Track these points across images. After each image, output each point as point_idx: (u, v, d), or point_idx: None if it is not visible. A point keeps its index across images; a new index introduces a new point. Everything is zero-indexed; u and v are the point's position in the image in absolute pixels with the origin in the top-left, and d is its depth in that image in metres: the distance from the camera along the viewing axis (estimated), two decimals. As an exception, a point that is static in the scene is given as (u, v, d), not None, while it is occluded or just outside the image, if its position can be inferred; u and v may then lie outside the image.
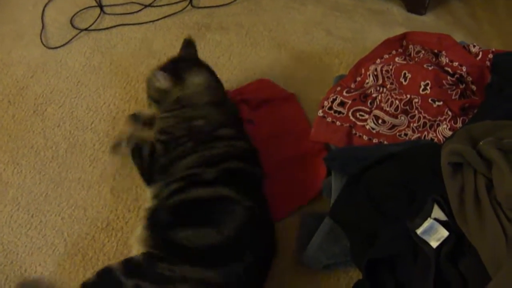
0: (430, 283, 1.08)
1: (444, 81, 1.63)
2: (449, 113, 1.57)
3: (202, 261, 1.25)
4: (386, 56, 1.83)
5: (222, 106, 1.57)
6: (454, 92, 1.63)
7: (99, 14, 2.19)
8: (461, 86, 1.65)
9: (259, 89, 1.83)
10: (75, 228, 1.55)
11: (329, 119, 1.67)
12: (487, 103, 1.55)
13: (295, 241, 1.49)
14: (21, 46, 2.08)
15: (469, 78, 1.66)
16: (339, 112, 1.67)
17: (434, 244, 1.10)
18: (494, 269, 1.02)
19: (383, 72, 1.73)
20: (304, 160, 1.65)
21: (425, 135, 1.57)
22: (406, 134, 1.60)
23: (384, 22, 2.13)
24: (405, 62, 1.74)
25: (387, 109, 1.62)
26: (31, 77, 1.95)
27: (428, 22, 2.13)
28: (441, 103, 1.59)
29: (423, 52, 1.76)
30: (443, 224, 1.11)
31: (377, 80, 1.75)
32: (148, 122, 1.64)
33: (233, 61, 1.96)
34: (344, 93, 1.70)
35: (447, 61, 1.69)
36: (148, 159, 1.49)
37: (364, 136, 1.62)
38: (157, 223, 1.35)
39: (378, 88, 1.70)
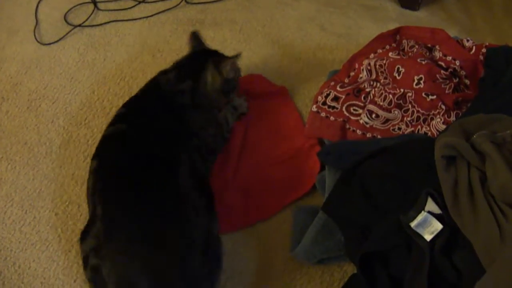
0: (424, 276, 1.08)
1: (437, 75, 1.64)
2: (443, 107, 1.58)
3: None
4: (379, 50, 1.83)
5: None
6: (447, 86, 1.63)
7: (93, 10, 2.18)
8: (454, 80, 1.65)
9: (250, 83, 1.82)
10: (69, 224, 1.55)
11: (323, 114, 1.67)
12: (481, 97, 1.55)
13: (289, 236, 1.49)
14: (15, 42, 2.08)
15: (463, 72, 1.67)
16: (333, 107, 1.67)
17: (428, 237, 1.11)
18: (488, 261, 1.02)
19: (377, 66, 1.73)
20: (297, 154, 1.65)
21: (418, 129, 1.58)
22: (399, 128, 1.60)
23: (378, 18, 2.13)
24: (398, 56, 1.75)
25: (381, 103, 1.62)
26: (25, 73, 1.95)
27: (421, 18, 2.13)
28: (434, 97, 1.59)
29: (416, 46, 1.76)
30: (437, 217, 1.12)
31: (371, 74, 1.75)
32: None
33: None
34: (338, 88, 1.70)
35: (441, 55, 1.69)
36: None
37: (358, 131, 1.62)
38: None
39: (371, 83, 1.71)
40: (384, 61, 1.71)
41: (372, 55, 1.82)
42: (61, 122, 1.79)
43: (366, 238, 1.23)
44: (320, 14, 2.15)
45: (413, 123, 1.60)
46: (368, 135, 1.61)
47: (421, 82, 1.62)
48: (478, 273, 1.01)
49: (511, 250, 0.99)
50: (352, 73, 1.80)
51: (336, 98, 1.69)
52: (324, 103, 1.69)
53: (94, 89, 1.88)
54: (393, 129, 1.61)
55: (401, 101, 1.63)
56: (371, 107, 1.63)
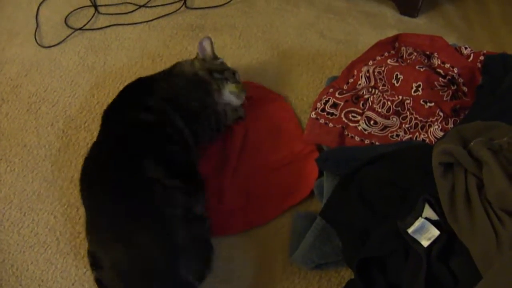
0: (421, 281, 1.08)
1: (435, 83, 1.64)
2: (441, 114, 1.58)
3: None
4: (378, 57, 1.84)
5: None
6: (445, 94, 1.64)
7: (94, 14, 2.19)
8: (452, 88, 1.66)
9: (248, 91, 1.83)
10: (68, 227, 1.55)
11: (322, 121, 1.68)
12: (478, 104, 1.56)
13: (288, 241, 1.49)
14: (15, 44, 2.08)
15: (461, 80, 1.68)
16: (332, 114, 1.68)
17: (425, 243, 1.11)
18: (484, 268, 1.02)
19: (375, 73, 1.74)
20: (296, 160, 1.66)
21: (416, 136, 1.58)
22: (398, 135, 1.61)
23: (377, 25, 2.14)
24: (397, 64, 1.75)
25: (379, 110, 1.63)
26: (25, 76, 1.95)
27: (420, 25, 2.14)
28: (432, 104, 1.60)
29: (415, 54, 1.77)
30: (434, 223, 1.12)
31: (369, 81, 1.76)
32: None
33: (227, 62, 1.96)
34: (337, 95, 1.71)
35: (439, 62, 1.70)
36: None
37: (356, 137, 1.62)
38: None
39: (370, 90, 1.72)
40: (383, 68, 1.72)
41: (371, 62, 1.83)
42: (61, 125, 1.79)
43: (364, 243, 1.23)
44: (320, 21, 2.16)
45: (411, 130, 1.60)
46: (366, 141, 1.62)
47: (419, 89, 1.63)
48: (475, 279, 1.01)
49: (507, 256, 0.99)
50: (351, 80, 1.81)
51: (335, 105, 1.69)
52: (323, 110, 1.69)
53: (94, 92, 1.88)
54: (391, 136, 1.61)
55: (399, 108, 1.63)
56: (369, 113, 1.63)
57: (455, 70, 1.67)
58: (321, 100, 1.72)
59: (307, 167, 1.62)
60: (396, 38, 1.88)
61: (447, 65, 1.69)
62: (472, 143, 1.15)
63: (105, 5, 2.23)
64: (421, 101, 1.61)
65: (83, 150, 1.72)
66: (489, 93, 1.55)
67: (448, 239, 1.11)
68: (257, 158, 1.67)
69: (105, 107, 1.56)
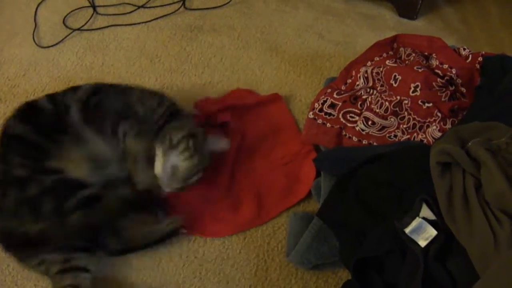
0: (419, 282, 1.08)
1: (434, 83, 1.64)
2: (439, 114, 1.58)
3: None
4: (377, 58, 1.84)
5: None
6: (443, 94, 1.64)
7: (92, 14, 2.19)
8: (450, 88, 1.66)
9: (239, 98, 1.82)
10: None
11: (319, 121, 1.68)
12: (476, 105, 1.56)
13: (285, 241, 1.49)
14: (14, 44, 2.08)
15: (459, 80, 1.68)
16: (330, 114, 1.68)
17: (423, 243, 1.11)
18: (482, 268, 1.02)
19: (374, 74, 1.74)
20: (293, 160, 1.66)
21: (414, 137, 1.58)
22: (395, 136, 1.61)
23: (376, 27, 2.14)
24: (395, 64, 1.75)
25: (377, 110, 1.63)
26: (23, 76, 1.95)
27: (419, 27, 2.15)
28: (430, 104, 1.60)
29: (413, 54, 1.77)
30: (432, 223, 1.12)
31: (368, 82, 1.76)
32: None
33: (225, 62, 1.97)
34: (335, 95, 1.71)
35: (437, 63, 1.70)
36: None
37: (354, 138, 1.62)
38: None
39: (368, 90, 1.72)
40: (381, 69, 1.72)
41: (369, 63, 1.83)
42: (58, 125, 1.79)
43: (361, 244, 1.23)
44: (318, 22, 2.16)
45: (409, 131, 1.60)
46: (364, 142, 1.61)
47: (418, 89, 1.63)
48: (472, 280, 1.01)
49: (505, 256, 0.99)
50: (349, 81, 1.81)
51: (332, 105, 1.69)
52: (321, 110, 1.69)
53: (92, 92, 1.88)
54: (389, 136, 1.61)
55: (397, 109, 1.63)
56: (367, 114, 1.63)
57: (453, 70, 1.67)
58: (319, 100, 1.72)
59: (305, 167, 1.62)
60: (394, 38, 1.89)
61: (445, 66, 1.69)
62: (470, 143, 1.15)
63: (104, 6, 2.23)
64: (419, 102, 1.61)
65: (81, 150, 1.71)
66: (487, 94, 1.55)
67: (445, 239, 1.11)
68: (255, 159, 1.67)
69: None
